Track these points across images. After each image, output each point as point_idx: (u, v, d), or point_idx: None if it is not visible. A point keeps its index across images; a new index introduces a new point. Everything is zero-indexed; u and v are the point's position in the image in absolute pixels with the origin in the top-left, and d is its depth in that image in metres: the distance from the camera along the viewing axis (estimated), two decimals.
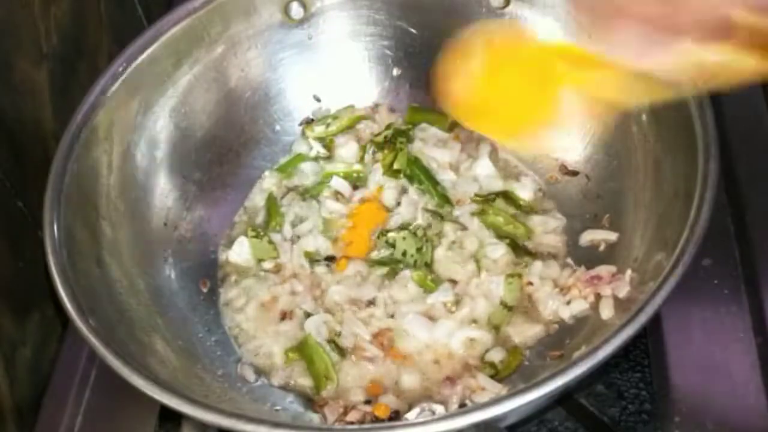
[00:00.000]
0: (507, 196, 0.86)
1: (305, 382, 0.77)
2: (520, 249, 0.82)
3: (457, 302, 0.80)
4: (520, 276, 0.80)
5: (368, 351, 0.78)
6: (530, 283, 0.80)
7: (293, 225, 0.88)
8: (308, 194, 0.90)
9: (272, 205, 0.89)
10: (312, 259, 0.85)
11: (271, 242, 0.86)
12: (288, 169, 0.92)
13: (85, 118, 0.78)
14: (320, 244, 0.86)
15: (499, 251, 0.82)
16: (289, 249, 0.86)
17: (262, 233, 0.86)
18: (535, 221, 0.85)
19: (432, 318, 0.79)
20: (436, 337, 0.78)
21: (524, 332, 0.78)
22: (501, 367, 0.76)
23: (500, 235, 0.84)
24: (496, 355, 0.76)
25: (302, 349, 0.78)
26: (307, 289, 0.83)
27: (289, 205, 0.89)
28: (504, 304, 0.79)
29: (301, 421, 0.74)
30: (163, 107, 0.86)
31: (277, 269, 0.85)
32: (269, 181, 0.92)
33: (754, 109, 0.91)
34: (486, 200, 0.86)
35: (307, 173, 0.92)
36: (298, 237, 0.87)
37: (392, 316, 0.80)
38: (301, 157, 0.93)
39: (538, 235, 0.84)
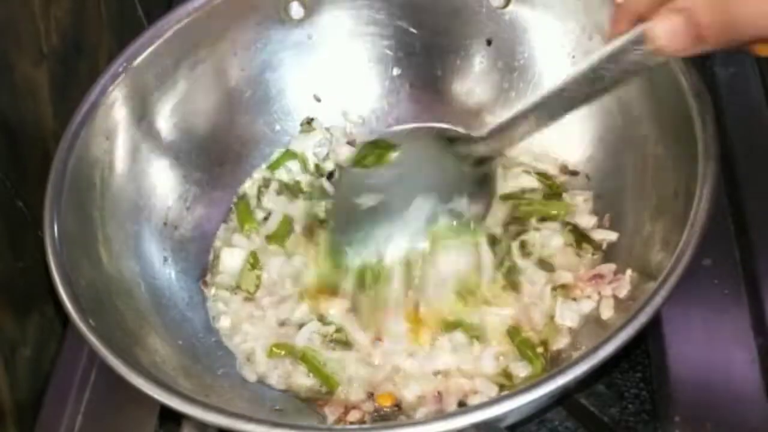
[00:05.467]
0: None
1: (306, 381, 0.77)
2: (581, 236, 0.80)
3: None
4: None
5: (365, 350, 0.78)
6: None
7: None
8: (287, 190, 0.90)
9: (244, 209, 0.89)
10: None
11: (259, 277, 0.84)
12: (278, 166, 0.92)
13: (85, 118, 0.78)
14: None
15: (556, 240, 0.81)
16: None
17: (261, 266, 0.85)
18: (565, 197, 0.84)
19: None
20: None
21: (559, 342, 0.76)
22: (518, 381, 0.73)
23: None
24: (522, 370, 0.74)
25: (304, 360, 0.78)
26: (293, 300, 0.82)
27: (267, 203, 0.89)
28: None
29: (301, 421, 0.74)
30: (163, 107, 0.86)
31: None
32: (257, 177, 0.92)
33: (754, 109, 0.91)
34: (512, 196, 0.85)
35: (293, 171, 0.92)
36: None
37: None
38: (290, 154, 0.93)
39: (576, 208, 0.83)
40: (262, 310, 0.82)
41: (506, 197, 0.85)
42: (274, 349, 0.79)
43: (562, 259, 0.80)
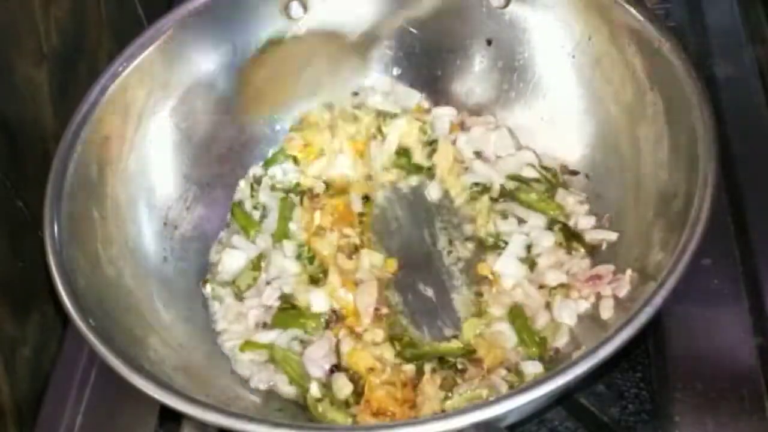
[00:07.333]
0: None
1: (288, 389, 0.77)
2: (571, 235, 0.81)
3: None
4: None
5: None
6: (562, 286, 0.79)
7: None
8: (279, 188, 0.90)
9: (240, 215, 0.89)
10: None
11: (255, 279, 0.85)
12: (272, 163, 0.92)
13: (85, 118, 0.78)
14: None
15: (547, 239, 0.82)
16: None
17: (262, 268, 0.85)
18: (560, 195, 0.85)
19: None
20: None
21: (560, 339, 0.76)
22: (526, 379, 0.73)
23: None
24: (533, 368, 0.74)
25: (273, 360, 0.78)
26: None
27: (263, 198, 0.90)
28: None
29: (301, 421, 0.74)
30: (163, 107, 0.86)
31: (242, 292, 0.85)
32: (250, 175, 0.92)
33: (754, 109, 0.91)
34: (520, 179, 0.87)
35: (287, 169, 0.92)
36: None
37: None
38: (284, 152, 0.92)
39: (569, 207, 0.84)
40: (246, 309, 0.82)
41: (511, 177, 0.87)
42: (246, 345, 0.79)
43: (552, 258, 0.81)
